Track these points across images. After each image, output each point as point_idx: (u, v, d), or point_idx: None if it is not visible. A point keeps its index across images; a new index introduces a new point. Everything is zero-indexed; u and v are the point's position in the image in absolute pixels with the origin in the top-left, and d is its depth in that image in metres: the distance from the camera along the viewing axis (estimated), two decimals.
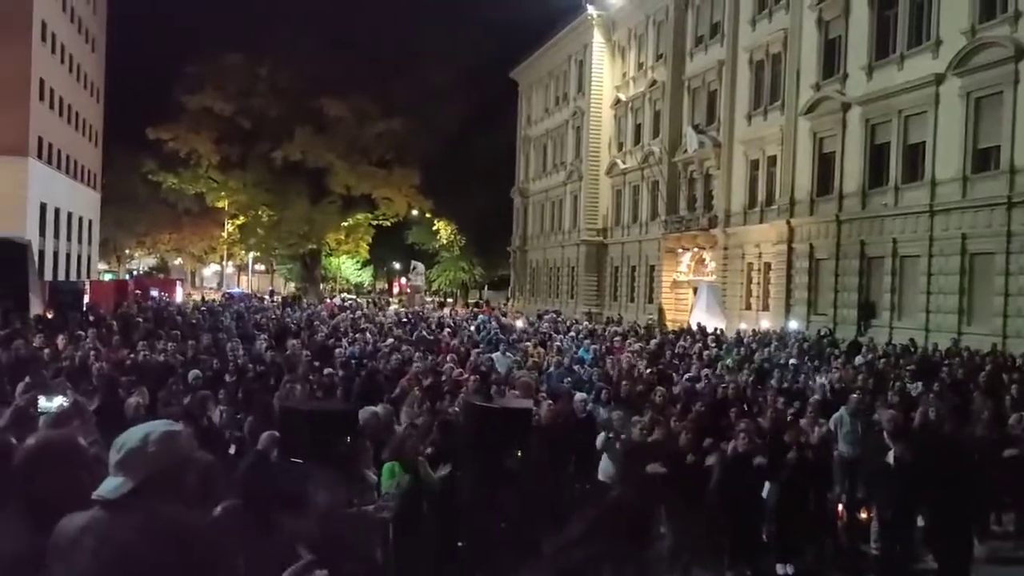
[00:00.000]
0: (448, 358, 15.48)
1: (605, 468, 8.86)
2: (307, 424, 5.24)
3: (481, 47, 59.66)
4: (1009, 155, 21.98)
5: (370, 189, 58.84)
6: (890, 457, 8.66)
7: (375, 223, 61.51)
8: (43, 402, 3.76)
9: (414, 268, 56.50)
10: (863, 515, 9.59)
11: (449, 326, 25.94)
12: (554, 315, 35.24)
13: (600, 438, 9.15)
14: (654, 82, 42.53)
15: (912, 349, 20.66)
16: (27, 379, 9.49)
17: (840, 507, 9.77)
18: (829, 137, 29.42)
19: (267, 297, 46.96)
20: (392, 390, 11.91)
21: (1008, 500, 10.18)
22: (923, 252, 24.77)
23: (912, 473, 8.32)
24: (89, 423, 4.22)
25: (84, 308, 25.74)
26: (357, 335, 20.35)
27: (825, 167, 29.56)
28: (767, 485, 8.41)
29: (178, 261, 76.64)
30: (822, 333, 24.69)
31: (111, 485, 2.30)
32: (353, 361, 15.25)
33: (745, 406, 11.88)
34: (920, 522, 9.86)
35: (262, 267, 78.43)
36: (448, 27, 63.37)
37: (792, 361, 18.37)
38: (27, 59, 40.17)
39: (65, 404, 3.97)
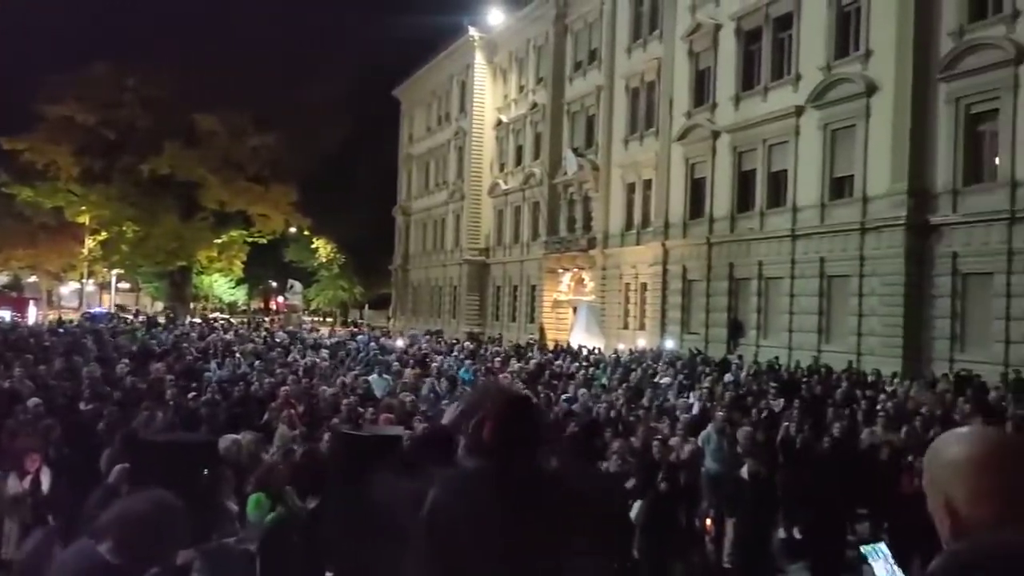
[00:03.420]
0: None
1: None
2: (161, 456, 4.92)
3: (364, 65, 59.16)
4: (861, 184, 23.49)
5: (245, 205, 56.99)
6: (744, 472, 8.98)
7: (250, 240, 59.64)
8: None
9: (291, 287, 55.04)
10: (727, 529, 9.88)
11: (326, 347, 25.33)
12: (416, 334, 35.07)
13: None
14: (535, 105, 43.20)
15: (776, 367, 21.64)
16: None
17: (708, 523, 10.03)
18: (700, 163, 30.58)
19: (132, 317, 44.54)
20: (263, 415, 11.48)
21: (862, 511, 10.72)
22: (786, 274, 26.03)
23: (765, 488, 8.63)
24: None
25: None
26: (228, 358, 19.57)
27: (697, 192, 30.68)
28: (636, 504, 8.53)
29: (33, 279, 71.61)
30: (694, 352, 25.50)
31: None
32: (223, 385, 14.62)
33: (620, 426, 12.08)
34: (782, 534, 10.29)
35: (127, 285, 74.40)
36: (330, 45, 62.58)
37: (665, 380, 18.85)
38: None
39: None
